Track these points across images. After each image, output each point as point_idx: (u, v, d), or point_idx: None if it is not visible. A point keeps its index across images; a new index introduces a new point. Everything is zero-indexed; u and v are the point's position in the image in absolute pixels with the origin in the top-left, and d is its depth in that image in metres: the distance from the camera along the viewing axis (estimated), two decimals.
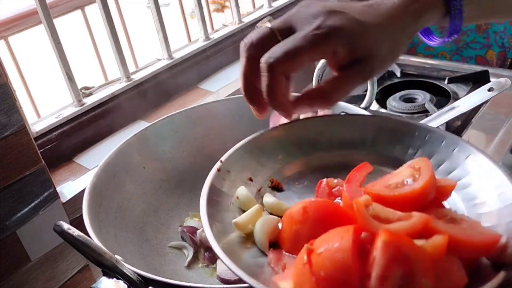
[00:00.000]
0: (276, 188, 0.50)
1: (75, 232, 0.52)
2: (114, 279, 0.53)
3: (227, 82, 1.11)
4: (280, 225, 0.43)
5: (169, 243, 0.72)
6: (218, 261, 0.68)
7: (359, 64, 0.46)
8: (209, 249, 0.70)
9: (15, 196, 0.73)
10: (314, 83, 0.84)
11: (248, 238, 0.43)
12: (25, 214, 0.75)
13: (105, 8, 0.94)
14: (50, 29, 0.87)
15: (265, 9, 1.28)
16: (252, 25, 1.24)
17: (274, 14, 1.29)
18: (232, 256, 0.39)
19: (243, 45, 0.50)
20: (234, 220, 0.44)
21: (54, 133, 0.90)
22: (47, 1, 0.86)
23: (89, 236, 0.55)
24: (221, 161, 0.49)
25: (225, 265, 0.38)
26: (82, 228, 0.56)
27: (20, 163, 0.73)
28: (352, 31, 0.45)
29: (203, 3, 1.15)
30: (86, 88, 0.97)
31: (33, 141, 0.74)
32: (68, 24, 1.16)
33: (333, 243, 0.36)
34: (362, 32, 0.45)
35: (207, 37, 1.14)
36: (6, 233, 0.73)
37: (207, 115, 0.81)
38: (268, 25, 0.49)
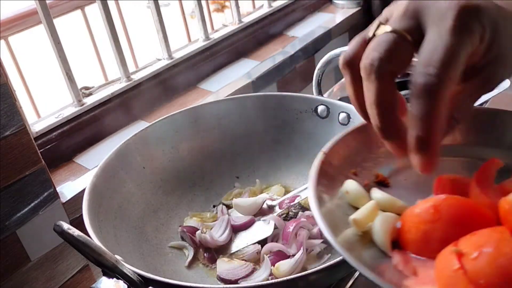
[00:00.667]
0: (382, 183, 0.46)
1: (75, 232, 0.52)
2: (114, 279, 0.53)
3: (227, 82, 1.11)
4: (398, 224, 0.39)
5: (169, 243, 0.72)
6: (218, 261, 0.68)
7: (486, 70, 0.37)
8: (208, 249, 0.70)
9: (15, 196, 0.73)
10: (314, 83, 0.84)
11: (365, 236, 0.39)
12: (25, 214, 0.75)
13: (105, 8, 0.94)
14: (50, 29, 0.86)
15: (265, 9, 1.28)
16: (252, 25, 1.24)
17: (274, 14, 1.29)
18: (352, 255, 0.35)
19: (368, 64, 0.36)
20: (352, 217, 0.39)
21: (54, 133, 0.90)
22: (47, 1, 0.86)
23: (89, 236, 0.55)
24: (324, 153, 0.44)
25: (352, 265, 0.34)
26: (82, 228, 0.56)
27: (20, 163, 0.73)
28: (494, 15, 0.36)
29: (203, 3, 1.15)
30: (86, 88, 0.97)
31: (33, 141, 0.74)
32: (68, 24, 1.16)
33: (490, 247, 0.32)
34: (504, 19, 0.36)
35: (207, 37, 1.14)
36: (6, 233, 0.73)
37: (207, 115, 0.81)
38: (388, 28, 0.37)
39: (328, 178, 0.43)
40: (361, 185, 0.43)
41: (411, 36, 0.36)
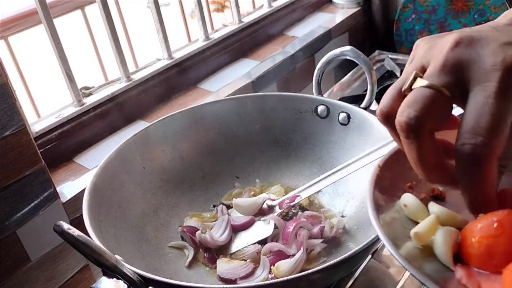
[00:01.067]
0: (438, 197, 0.46)
1: (75, 232, 0.52)
2: (114, 279, 0.53)
3: (227, 82, 1.11)
4: (459, 238, 0.39)
5: (169, 243, 0.72)
6: (218, 261, 0.68)
7: None
8: (208, 249, 0.70)
9: (15, 196, 0.73)
10: (314, 83, 0.84)
11: (425, 250, 0.40)
12: (25, 214, 0.75)
13: (105, 8, 0.94)
14: (50, 29, 0.87)
15: (265, 9, 1.28)
16: (252, 25, 1.24)
17: (274, 14, 1.29)
18: (416, 269, 0.36)
19: (404, 123, 0.35)
20: (414, 230, 0.39)
21: (54, 133, 0.90)
22: (47, 1, 0.86)
23: (89, 236, 0.55)
24: (379, 167, 0.44)
25: (417, 278, 0.35)
26: (82, 228, 0.56)
27: (20, 163, 0.73)
28: None
29: (203, 3, 1.15)
30: (86, 88, 0.97)
31: (33, 141, 0.74)
32: (68, 24, 1.16)
33: None
34: None
35: (207, 37, 1.14)
36: (6, 233, 0.73)
37: (207, 115, 0.81)
38: (425, 83, 0.36)
39: (383, 191, 0.43)
40: (418, 198, 0.43)
41: (450, 91, 0.35)
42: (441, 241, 0.39)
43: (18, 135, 0.72)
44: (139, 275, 0.53)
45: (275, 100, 0.82)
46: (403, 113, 0.35)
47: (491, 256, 0.36)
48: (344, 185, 0.75)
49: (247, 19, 1.23)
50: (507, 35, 0.35)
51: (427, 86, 0.35)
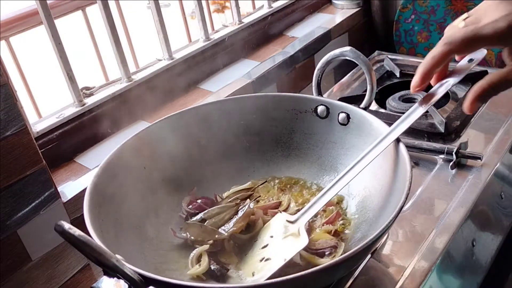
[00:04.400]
0: None
1: (76, 232, 0.52)
2: (115, 278, 0.53)
3: (227, 82, 1.11)
4: None
5: (170, 243, 0.72)
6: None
7: None
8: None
9: (16, 196, 0.73)
10: (314, 83, 0.85)
11: None
12: (26, 213, 0.75)
13: (106, 8, 0.95)
14: (51, 29, 0.87)
15: (265, 10, 1.28)
16: (252, 25, 1.24)
17: (274, 14, 1.30)
18: None
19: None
20: None
21: (55, 133, 0.90)
22: (48, 2, 0.86)
23: (89, 235, 0.55)
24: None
25: None
26: (83, 228, 0.56)
27: (21, 163, 0.73)
28: None
29: (204, 3, 1.16)
30: (87, 88, 0.98)
31: (34, 141, 0.75)
32: (69, 25, 1.17)
33: None
34: None
35: (207, 38, 1.15)
36: (7, 232, 0.73)
37: (207, 115, 0.81)
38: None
39: None
40: None
41: None
42: None
43: (19, 135, 0.72)
44: (140, 274, 0.53)
45: (275, 100, 0.82)
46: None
47: None
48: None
49: (247, 20, 1.24)
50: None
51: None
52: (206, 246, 0.69)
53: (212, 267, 0.66)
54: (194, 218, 0.73)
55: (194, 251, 0.68)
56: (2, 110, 0.69)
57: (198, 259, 0.68)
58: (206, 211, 0.73)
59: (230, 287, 0.66)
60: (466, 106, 0.57)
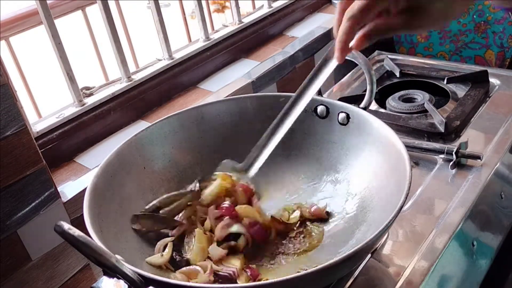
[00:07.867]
0: None
1: (75, 232, 0.53)
2: (115, 278, 0.54)
3: (227, 82, 1.11)
4: None
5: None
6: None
7: (410, 13, 0.52)
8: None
9: (16, 195, 0.73)
10: None
11: None
12: (26, 213, 0.75)
13: (106, 8, 0.95)
14: (51, 29, 0.87)
15: (265, 10, 1.28)
16: (252, 25, 1.24)
17: (274, 14, 1.30)
18: None
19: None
20: None
21: (55, 133, 0.90)
22: (48, 2, 0.86)
23: (89, 236, 0.56)
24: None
25: None
26: (83, 228, 0.57)
27: (21, 163, 0.73)
28: None
29: (203, 3, 1.16)
30: (87, 88, 0.98)
31: (34, 141, 0.75)
32: (69, 25, 1.17)
33: None
34: None
35: (207, 38, 1.15)
36: (7, 232, 0.73)
37: (207, 115, 0.81)
38: None
39: None
40: None
41: None
42: None
43: (19, 135, 0.72)
44: (140, 274, 0.53)
45: (274, 100, 0.82)
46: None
47: None
48: (344, 185, 0.76)
49: (247, 20, 1.24)
50: None
51: None
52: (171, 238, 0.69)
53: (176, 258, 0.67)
54: (147, 206, 0.72)
55: (160, 241, 0.69)
56: (2, 110, 0.69)
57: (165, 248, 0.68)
58: (161, 198, 0.73)
59: (230, 287, 0.65)
60: (353, 43, 0.58)
